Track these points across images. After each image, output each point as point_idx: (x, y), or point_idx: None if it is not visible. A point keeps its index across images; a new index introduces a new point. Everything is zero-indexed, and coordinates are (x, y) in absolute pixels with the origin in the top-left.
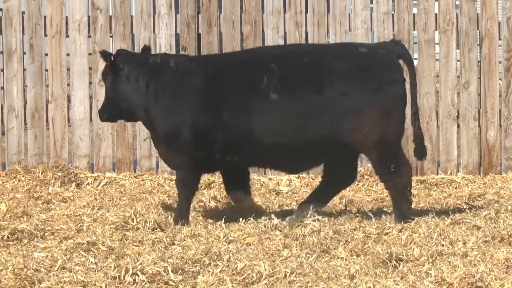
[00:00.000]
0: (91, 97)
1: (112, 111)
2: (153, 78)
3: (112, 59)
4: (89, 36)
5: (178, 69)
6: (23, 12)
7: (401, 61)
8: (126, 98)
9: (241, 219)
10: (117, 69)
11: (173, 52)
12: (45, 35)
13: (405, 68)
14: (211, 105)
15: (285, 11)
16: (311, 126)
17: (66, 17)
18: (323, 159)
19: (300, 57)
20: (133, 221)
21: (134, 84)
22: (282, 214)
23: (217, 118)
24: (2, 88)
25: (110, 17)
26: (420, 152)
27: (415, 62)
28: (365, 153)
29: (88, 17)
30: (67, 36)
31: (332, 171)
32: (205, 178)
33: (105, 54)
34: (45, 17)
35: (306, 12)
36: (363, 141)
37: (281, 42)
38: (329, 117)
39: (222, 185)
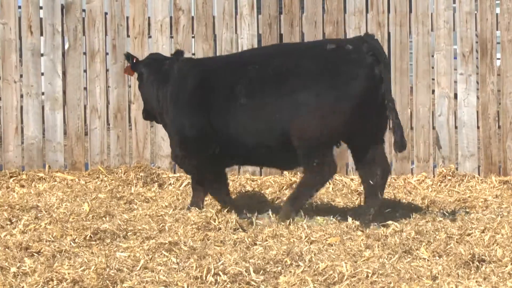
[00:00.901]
0: None
1: (145, 111)
2: (161, 84)
3: (133, 61)
4: (171, 37)
5: (179, 73)
6: (105, 13)
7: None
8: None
9: (322, 219)
10: (138, 72)
11: None
12: (128, 36)
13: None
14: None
15: (367, 11)
16: (275, 124)
17: (149, 17)
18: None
19: (271, 58)
20: (215, 221)
21: (150, 89)
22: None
23: (206, 119)
24: (85, 88)
25: (192, 17)
26: (399, 144)
27: (498, 62)
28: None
29: (170, 17)
30: (149, 37)
31: (363, 169)
32: (287, 178)
33: (128, 56)
34: (127, 17)
35: (388, 12)
36: (302, 136)
37: None
38: (291, 114)
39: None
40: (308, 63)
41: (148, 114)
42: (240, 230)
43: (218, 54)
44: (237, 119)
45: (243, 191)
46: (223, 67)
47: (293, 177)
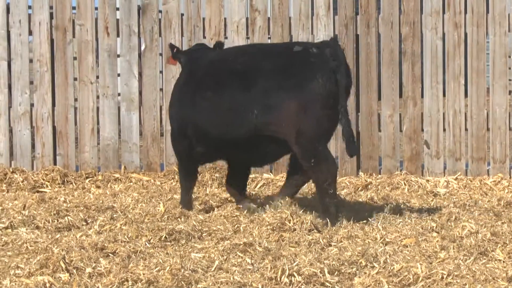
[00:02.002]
0: None
1: None
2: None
3: (174, 51)
4: (247, 38)
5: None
6: (182, 14)
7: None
8: None
9: (398, 220)
10: (179, 61)
11: None
12: (204, 37)
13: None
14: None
15: (444, 12)
16: (241, 120)
17: (225, 18)
18: (272, 152)
19: (242, 57)
20: (289, 222)
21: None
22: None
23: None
24: (161, 89)
25: (269, 18)
26: (349, 149)
27: None
28: (290, 148)
29: (247, 18)
30: (226, 38)
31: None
32: (362, 179)
33: (171, 46)
34: (203, 19)
35: (465, 12)
36: (284, 136)
37: (439, 43)
38: (257, 112)
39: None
40: (271, 63)
41: None
42: (315, 231)
43: None
44: (204, 113)
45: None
46: (205, 61)
47: (369, 178)
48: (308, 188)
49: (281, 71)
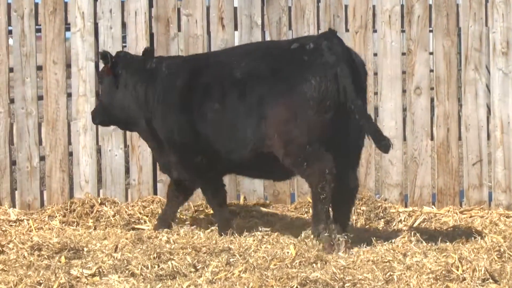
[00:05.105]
0: (404, 109)
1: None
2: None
3: (113, 60)
4: (403, 31)
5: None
6: (318, 1)
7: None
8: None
9: None
10: (116, 73)
11: None
12: (346, 30)
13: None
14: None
15: None
16: (236, 131)
17: (373, 6)
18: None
19: (236, 60)
20: (457, 270)
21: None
22: None
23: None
24: None
25: (430, 6)
26: (380, 145)
27: None
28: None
29: (401, 6)
30: (375, 31)
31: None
32: None
33: (105, 55)
34: (346, 6)
35: None
36: (274, 147)
37: None
38: (252, 121)
39: None
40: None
41: (114, 119)
42: (491, 280)
43: (463, 51)
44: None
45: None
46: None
47: None
48: (482, 225)
49: (275, 73)
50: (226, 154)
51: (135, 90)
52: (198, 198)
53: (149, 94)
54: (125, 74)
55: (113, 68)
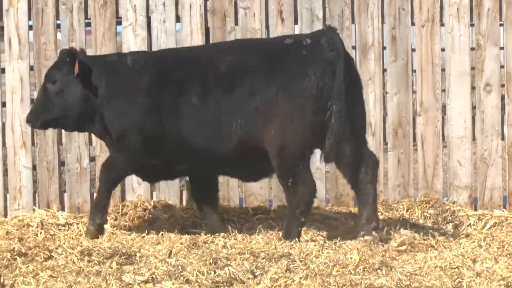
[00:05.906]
0: (474, 107)
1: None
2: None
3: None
4: (472, 25)
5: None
6: None
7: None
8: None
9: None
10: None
11: None
12: (413, 24)
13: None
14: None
15: None
16: (226, 129)
17: None
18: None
19: (228, 54)
20: None
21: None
22: None
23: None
24: None
25: None
26: (327, 156)
27: None
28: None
29: None
30: (442, 25)
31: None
32: None
33: (74, 53)
34: None
35: None
36: (269, 146)
37: None
38: (241, 118)
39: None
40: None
41: (63, 120)
42: None
43: None
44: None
45: None
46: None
47: None
48: None
49: (268, 70)
50: (204, 149)
51: (93, 88)
52: (256, 201)
53: (105, 91)
54: (86, 72)
55: (81, 67)
